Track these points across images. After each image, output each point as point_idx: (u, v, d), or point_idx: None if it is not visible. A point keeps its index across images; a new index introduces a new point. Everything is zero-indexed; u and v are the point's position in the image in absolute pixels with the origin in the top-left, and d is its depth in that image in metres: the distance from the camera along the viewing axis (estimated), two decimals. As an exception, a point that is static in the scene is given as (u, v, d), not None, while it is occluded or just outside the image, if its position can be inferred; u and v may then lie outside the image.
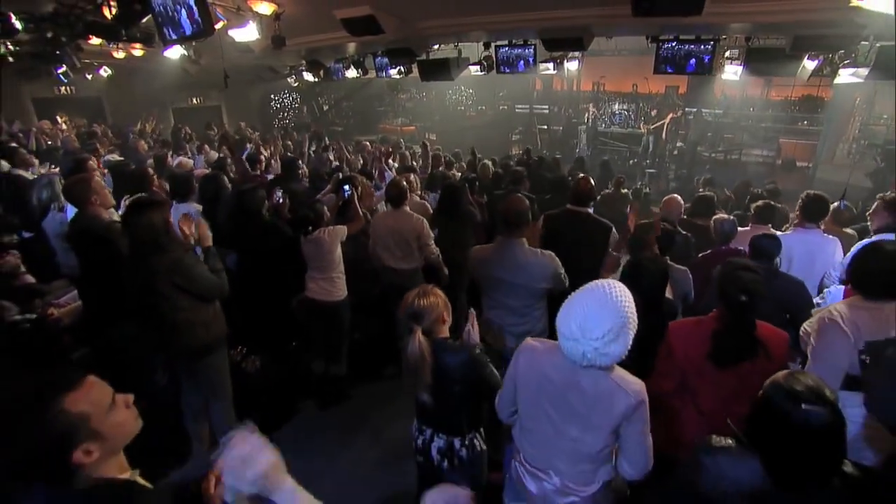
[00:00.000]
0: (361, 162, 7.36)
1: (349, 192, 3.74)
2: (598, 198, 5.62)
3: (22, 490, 1.05)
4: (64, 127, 9.70)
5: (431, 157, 6.79)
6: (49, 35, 5.03)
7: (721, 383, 2.03)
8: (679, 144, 12.85)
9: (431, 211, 4.34)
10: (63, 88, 11.58)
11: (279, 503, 1.14)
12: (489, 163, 6.73)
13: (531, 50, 6.44)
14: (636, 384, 1.53)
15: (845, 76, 5.66)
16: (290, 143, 10.17)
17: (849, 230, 3.75)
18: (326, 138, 9.56)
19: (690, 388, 2.14)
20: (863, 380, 1.14)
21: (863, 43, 5.30)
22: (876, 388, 1.12)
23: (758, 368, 1.90)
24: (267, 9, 4.91)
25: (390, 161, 6.59)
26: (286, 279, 3.59)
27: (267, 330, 3.67)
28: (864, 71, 5.31)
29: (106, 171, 5.11)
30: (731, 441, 1.31)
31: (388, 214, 3.82)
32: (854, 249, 2.69)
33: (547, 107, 16.03)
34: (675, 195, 4.39)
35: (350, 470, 3.07)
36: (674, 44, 5.86)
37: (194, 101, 14.22)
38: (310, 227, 3.38)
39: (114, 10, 3.92)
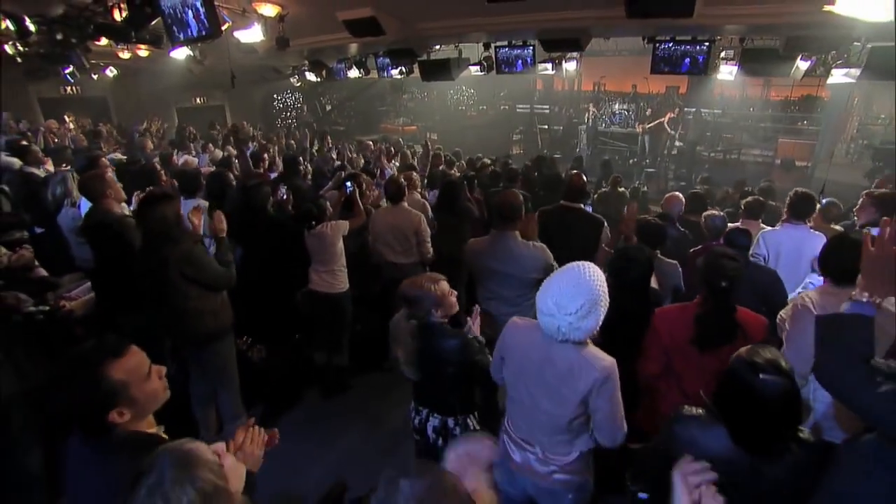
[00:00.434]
0: (363, 161, 7.49)
1: (351, 189, 3.86)
2: (595, 196, 5.73)
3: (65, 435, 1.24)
4: (71, 126, 9.84)
5: (432, 156, 6.91)
6: (59, 36, 5.16)
7: (704, 366, 2.14)
8: (678, 144, 12.95)
9: (430, 209, 4.46)
10: (69, 88, 11.72)
11: None
12: (488, 161, 6.85)
13: (530, 50, 6.55)
14: (605, 360, 1.65)
15: (838, 76, 5.76)
16: (292, 142, 10.32)
17: (836, 226, 3.87)
18: (329, 138, 9.69)
19: (676, 371, 2.25)
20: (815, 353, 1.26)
21: (855, 44, 5.40)
22: (820, 359, 1.23)
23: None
24: (271, 10, 5.04)
25: (391, 159, 6.72)
26: (290, 272, 3.71)
27: (271, 321, 3.79)
28: (856, 71, 5.40)
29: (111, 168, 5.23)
30: (700, 411, 1.42)
31: (387, 211, 3.94)
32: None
33: (547, 107, 16.13)
34: (677, 193, 4.50)
35: (350, 454, 3.20)
36: (670, 44, 5.96)
37: (198, 100, 14.38)
38: (313, 222, 3.51)
39: (124, 13, 4.05)
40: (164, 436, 1.33)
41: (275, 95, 15.72)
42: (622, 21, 4.43)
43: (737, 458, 1.33)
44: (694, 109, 13.48)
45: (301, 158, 5.72)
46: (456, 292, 2.16)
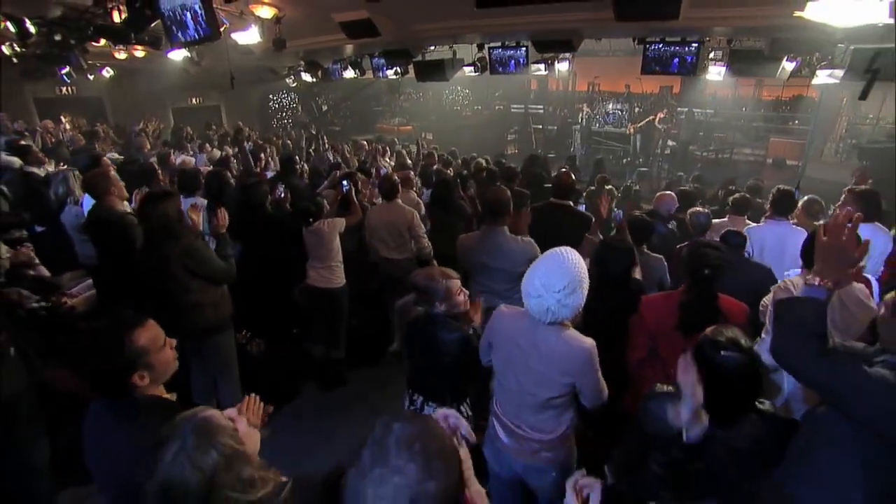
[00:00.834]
0: (356, 160, 7.59)
1: (347, 188, 3.97)
2: (584, 194, 5.85)
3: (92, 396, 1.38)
4: (68, 127, 9.87)
5: (425, 154, 7.02)
6: (58, 37, 5.21)
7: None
8: (672, 144, 13.10)
9: (424, 207, 4.57)
10: (64, 89, 11.73)
11: None
12: (482, 161, 6.97)
13: (523, 51, 6.66)
14: (586, 342, 1.80)
15: (823, 77, 5.92)
16: (289, 142, 10.40)
17: (818, 222, 4.00)
18: (325, 137, 9.77)
19: (661, 356, 2.37)
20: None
21: (839, 45, 5.54)
22: (776, 338, 1.35)
23: None
24: (268, 12, 5.13)
25: (386, 159, 6.82)
26: (288, 268, 3.81)
27: (270, 316, 3.89)
28: (839, 72, 5.55)
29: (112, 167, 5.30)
30: (671, 388, 1.53)
31: (381, 208, 4.05)
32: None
33: (542, 107, 16.25)
34: (669, 192, 4.62)
35: (348, 444, 3.30)
36: (660, 45, 6.08)
37: (194, 101, 14.39)
38: (311, 219, 3.61)
39: (123, 15, 4.12)
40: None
41: (271, 96, 15.76)
42: (613, 23, 4.54)
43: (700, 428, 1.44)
44: (686, 109, 13.63)
45: (298, 158, 5.81)
46: (467, 291, 2.27)
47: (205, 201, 3.97)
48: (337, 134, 14.47)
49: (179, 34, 3.75)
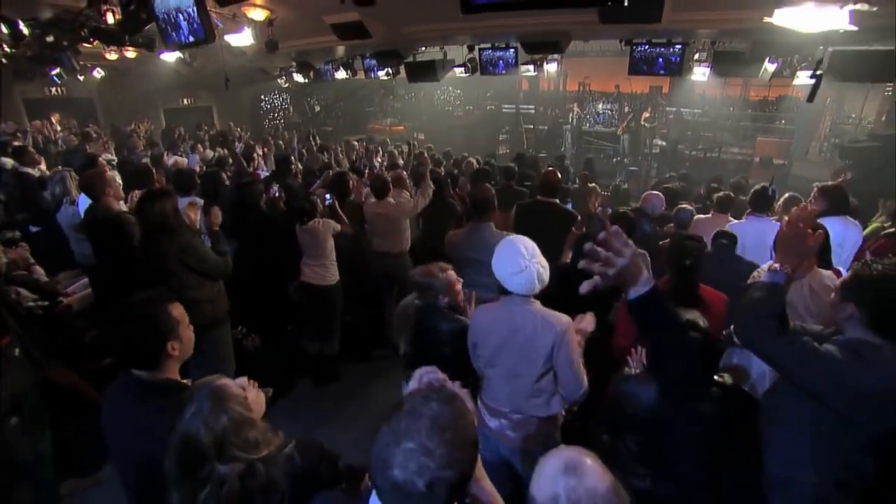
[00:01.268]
0: (348, 161, 7.67)
1: (330, 202, 4.05)
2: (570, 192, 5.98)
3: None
4: (58, 128, 9.85)
5: (417, 155, 7.11)
6: (49, 39, 5.25)
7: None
8: (661, 143, 13.30)
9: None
10: (54, 89, 11.69)
11: None
12: (473, 160, 7.07)
13: (512, 52, 6.78)
14: (562, 317, 1.94)
15: (803, 78, 6.09)
16: (281, 142, 10.43)
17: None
18: (317, 138, 9.83)
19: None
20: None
21: (820, 48, 5.70)
22: (738, 318, 1.47)
23: None
24: (260, 15, 5.20)
25: (378, 158, 6.91)
26: (282, 266, 3.89)
27: (265, 312, 3.97)
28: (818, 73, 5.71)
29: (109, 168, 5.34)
30: (639, 371, 1.66)
31: (375, 204, 4.16)
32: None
33: (533, 107, 16.36)
34: (656, 192, 4.74)
35: (341, 434, 3.38)
36: (646, 47, 6.22)
37: (185, 101, 14.36)
38: (305, 218, 3.69)
39: (118, 17, 4.18)
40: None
41: (262, 96, 15.77)
42: (598, 25, 4.68)
43: (666, 405, 1.56)
44: (675, 109, 13.83)
45: (292, 158, 5.89)
46: (462, 280, 2.38)
47: (201, 201, 4.05)
48: (329, 134, 14.51)
49: (174, 37, 3.83)
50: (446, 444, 0.88)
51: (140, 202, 2.74)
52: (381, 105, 17.57)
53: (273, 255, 3.84)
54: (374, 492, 0.97)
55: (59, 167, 4.47)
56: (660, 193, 4.67)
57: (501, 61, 6.89)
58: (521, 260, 1.86)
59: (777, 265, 1.47)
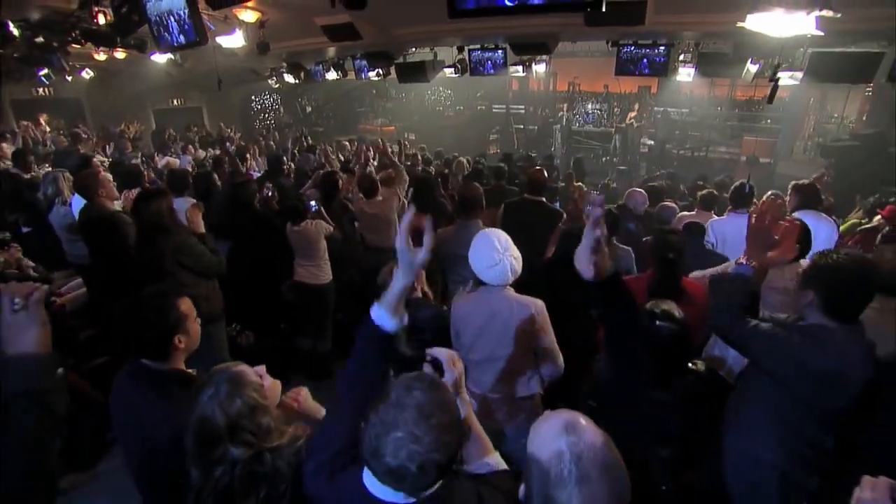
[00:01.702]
0: (338, 161, 7.72)
1: (316, 208, 4.11)
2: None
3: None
4: (47, 129, 9.79)
5: (410, 155, 7.19)
6: (39, 40, 5.25)
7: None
8: (650, 142, 13.48)
9: (406, 208, 4.75)
10: (42, 90, 11.61)
11: None
12: (464, 160, 7.17)
13: (501, 53, 6.89)
14: (536, 300, 2.09)
15: (784, 79, 6.23)
16: (272, 143, 10.46)
17: (776, 214, 4.29)
18: (308, 138, 9.87)
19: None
20: None
21: (799, 49, 5.86)
22: (709, 308, 1.57)
23: (686, 313, 2.39)
24: (252, 17, 5.25)
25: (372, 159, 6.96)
26: (276, 265, 3.95)
27: (259, 310, 4.02)
28: (799, 74, 5.87)
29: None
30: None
31: (365, 203, 4.24)
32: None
33: (523, 107, 16.49)
34: (639, 189, 4.86)
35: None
36: (632, 48, 6.35)
37: (175, 102, 14.29)
38: (298, 218, 3.75)
39: (109, 18, 4.20)
40: None
41: (253, 97, 15.74)
42: (584, 27, 4.78)
43: (619, 386, 1.66)
44: (662, 109, 14.01)
45: (285, 158, 5.95)
46: (422, 271, 2.45)
47: (193, 200, 4.09)
48: (320, 135, 14.53)
49: (166, 39, 3.86)
50: (432, 429, 0.95)
51: (136, 202, 2.79)
52: (371, 105, 17.61)
53: (267, 254, 3.90)
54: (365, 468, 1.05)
55: (49, 167, 4.49)
56: (642, 190, 4.78)
57: (490, 62, 6.99)
58: (496, 254, 1.99)
59: (744, 259, 1.58)
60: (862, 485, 0.88)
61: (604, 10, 2.38)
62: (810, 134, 12.53)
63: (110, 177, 3.75)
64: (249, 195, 3.89)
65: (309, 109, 16.82)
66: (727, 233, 3.94)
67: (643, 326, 1.62)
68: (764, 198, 4.30)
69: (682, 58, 7.03)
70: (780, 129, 12.85)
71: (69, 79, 9.96)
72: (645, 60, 6.16)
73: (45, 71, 8.04)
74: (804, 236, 2.30)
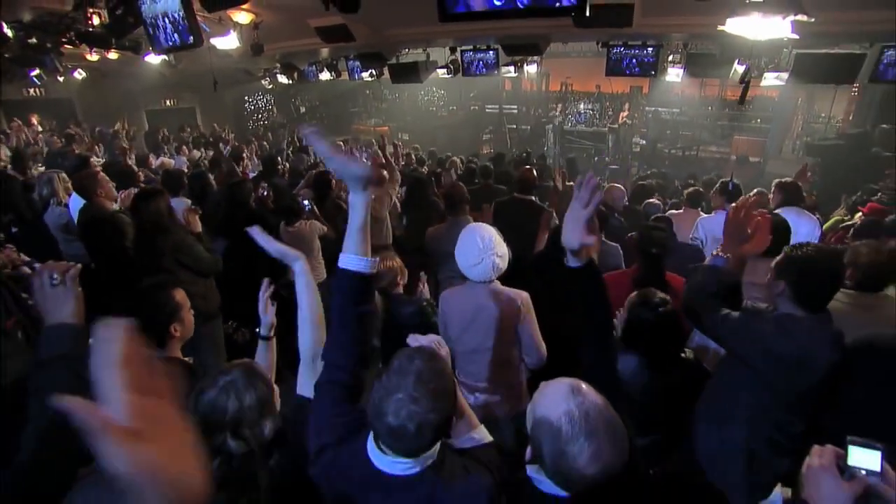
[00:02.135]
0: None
1: (309, 207, 4.16)
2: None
3: None
4: (39, 129, 9.76)
5: (404, 155, 7.25)
6: (32, 41, 5.26)
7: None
8: (641, 142, 13.62)
9: (399, 207, 4.80)
10: (32, 90, 11.55)
11: None
12: (457, 159, 7.24)
13: (493, 54, 6.97)
14: (522, 292, 2.17)
15: (770, 79, 6.37)
16: (265, 143, 10.49)
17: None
18: (303, 139, 9.91)
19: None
20: None
21: (784, 51, 6.00)
22: (683, 296, 1.66)
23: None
24: (246, 18, 5.29)
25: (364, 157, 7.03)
26: (271, 263, 3.99)
27: (255, 309, 4.06)
28: (784, 75, 6.01)
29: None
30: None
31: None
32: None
33: (516, 107, 16.56)
34: (617, 184, 4.96)
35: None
36: (622, 48, 6.47)
37: (168, 103, 14.26)
38: (293, 218, 3.81)
39: (103, 20, 4.23)
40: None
41: (246, 97, 15.73)
42: (574, 29, 4.88)
43: (640, 374, 1.74)
44: (653, 109, 14.15)
45: (280, 158, 5.99)
46: (401, 262, 2.55)
47: (188, 202, 4.14)
48: (314, 135, 14.52)
49: (162, 41, 3.91)
50: (429, 393, 1.05)
51: (135, 201, 2.84)
52: (365, 106, 17.64)
53: (262, 253, 3.94)
54: (370, 435, 1.15)
55: (42, 167, 4.51)
56: (620, 186, 4.90)
57: (483, 63, 7.07)
58: (478, 253, 2.06)
59: (720, 250, 1.67)
60: (811, 453, 0.96)
61: (587, 14, 2.48)
62: (799, 133, 12.72)
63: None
64: (245, 195, 3.93)
65: (303, 110, 16.82)
66: (715, 230, 4.06)
67: (635, 315, 1.71)
68: (750, 195, 4.44)
69: (670, 58, 7.15)
70: (770, 129, 13.01)
71: (60, 79, 9.95)
72: (634, 61, 6.28)
73: (37, 71, 8.03)
74: (782, 232, 2.39)
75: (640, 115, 14.19)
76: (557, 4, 2.47)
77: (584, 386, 1.06)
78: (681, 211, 4.65)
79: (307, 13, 5.45)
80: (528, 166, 4.24)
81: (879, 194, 5.54)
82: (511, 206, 3.79)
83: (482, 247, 2.07)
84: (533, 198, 3.84)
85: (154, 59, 6.86)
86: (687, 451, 1.80)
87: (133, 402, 0.53)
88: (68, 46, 6.32)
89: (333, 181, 4.52)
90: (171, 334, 1.69)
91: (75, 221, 3.61)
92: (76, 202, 3.60)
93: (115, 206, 3.60)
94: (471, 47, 7.14)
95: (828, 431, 1.49)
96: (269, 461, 1.29)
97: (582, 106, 14.98)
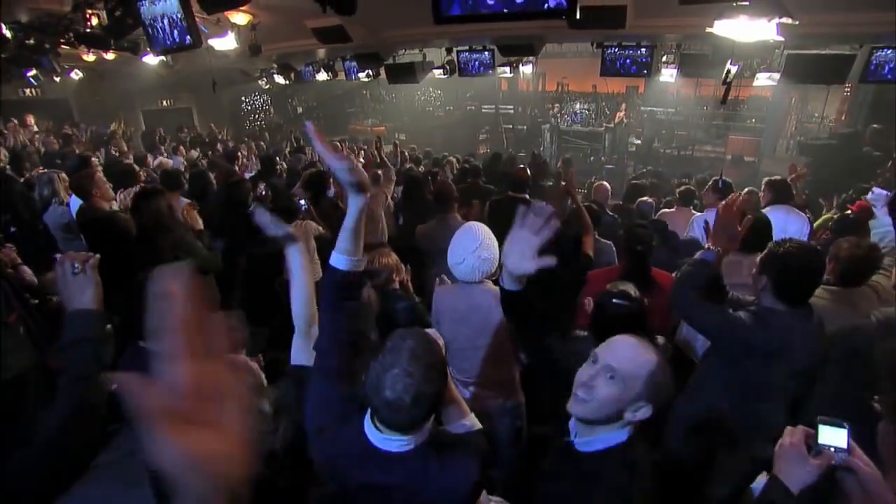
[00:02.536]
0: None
1: (305, 207, 4.20)
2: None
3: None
4: (35, 129, 9.76)
5: (400, 154, 7.30)
6: (30, 41, 5.29)
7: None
8: (637, 142, 13.70)
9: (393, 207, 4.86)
10: (29, 90, 11.54)
11: None
12: (454, 159, 7.30)
13: (489, 55, 7.03)
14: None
15: (762, 80, 6.45)
16: (262, 143, 10.51)
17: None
18: (300, 140, 9.94)
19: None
20: None
21: (776, 51, 6.07)
22: (671, 289, 1.72)
23: (655, 302, 2.53)
24: (243, 19, 5.33)
25: (361, 159, 7.07)
26: (269, 262, 4.04)
27: (252, 306, 4.11)
28: (776, 75, 6.08)
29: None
30: (586, 333, 1.90)
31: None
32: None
33: (512, 107, 16.60)
34: (604, 182, 5.03)
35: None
36: (616, 49, 6.53)
37: (164, 103, 14.25)
38: (290, 219, 3.85)
39: (102, 21, 4.26)
40: None
41: (243, 98, 15.74)
42: (568, 29, 4.94)
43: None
44: (649, 109, 14.23)
45: (278, 158, 6.03)
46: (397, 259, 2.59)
47: (187, 201, 4.18)
48: (311, 135, 14.55)
49: (160, 42, 3.94)
50: (422, 367, 1.14)
51: (135, 200, 2.88)
52: (362, 106, 17.68)
53: (260, 251, 3.99)
54: (367, 415, 1.22)
55: (42, 168, 4.54)
56: (605, 183, 4.98)
57: (479, 63, 7.13)
58: (462, 252, 2.11)
59: (710, 245, 1.73)
60: (784, 433, 1.02)
61: (578, 17, 2.53)
62: (792, 133, 12.81)
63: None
64: (244, 194, 3.98)
65: (300, 110, 16.85)
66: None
67: (604, 306, 1.77)
68: (740, 194, 4.51)
69: (664, 59, 7.24)
70: (764, 129, 13.11)
71: (57, 79, 9.95)
72: (629, 61, 6.34)
73: (34, 72, 8.04)
74: (766, 231, 2.47)
75: (635, 115, 14.28)
76: (546, 6, 2.51)
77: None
78: (673, 209, 4.72)
79: (304, 14, 5.49)
80: (521, 165, 4.30)
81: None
82: (505, 204, 3.84)
83: (467, 246, 2.12)
84: (527, 196, 3.90)
85: (151, 60, 6.88)
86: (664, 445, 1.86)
87: (191, 374, 0.49)
88: (65, 47, 6.36)
89: (330, 179, 4.56)
90: None
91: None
92: (77, 202, 3.64)
93: (115, 206, 3.65)
94: (467, 48, 7.20)
95: (806, 420, 1.56)
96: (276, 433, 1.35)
97: (578, 106, 15.05)
